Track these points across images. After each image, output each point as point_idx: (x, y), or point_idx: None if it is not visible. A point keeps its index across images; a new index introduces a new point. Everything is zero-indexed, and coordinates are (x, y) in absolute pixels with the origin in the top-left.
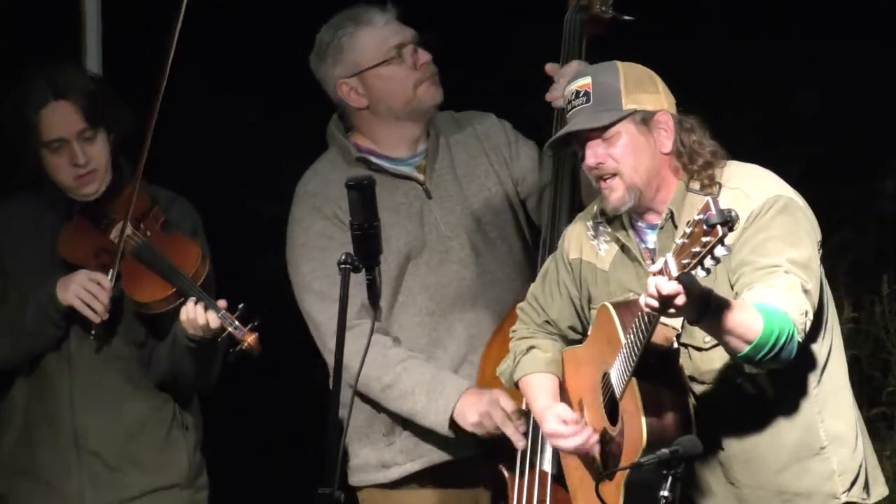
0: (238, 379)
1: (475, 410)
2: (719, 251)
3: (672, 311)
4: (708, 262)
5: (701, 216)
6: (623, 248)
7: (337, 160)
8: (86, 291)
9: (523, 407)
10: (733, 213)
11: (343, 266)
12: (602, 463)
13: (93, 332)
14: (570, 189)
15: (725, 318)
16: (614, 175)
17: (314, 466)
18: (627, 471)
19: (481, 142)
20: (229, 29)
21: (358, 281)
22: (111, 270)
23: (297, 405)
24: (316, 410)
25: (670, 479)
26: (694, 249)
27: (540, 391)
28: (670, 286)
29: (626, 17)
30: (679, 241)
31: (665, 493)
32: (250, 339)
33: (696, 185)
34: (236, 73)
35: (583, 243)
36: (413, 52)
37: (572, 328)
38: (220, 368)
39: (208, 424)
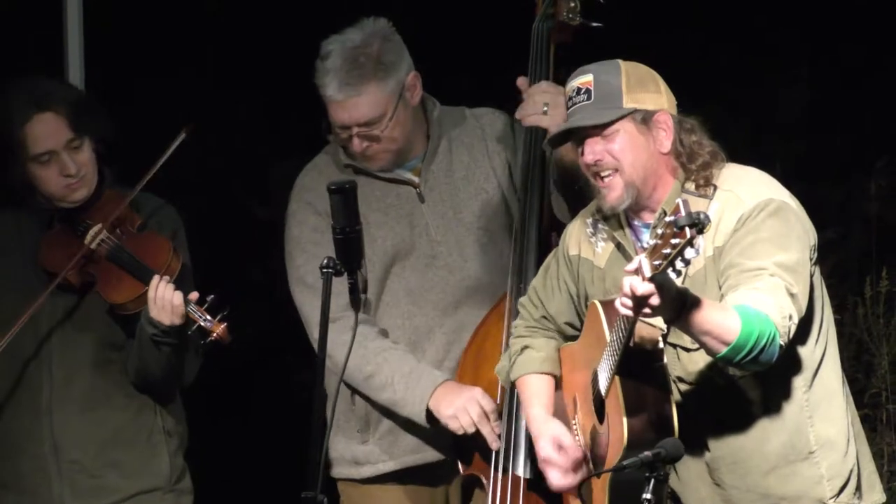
0: (226, 381)
1: (452, 404)
2: (689, 253)
3: (647, 311)
4: (678, 263)
5: (671, 218)
6: (619, 246)
7: (332, 157)
8: None
9: (502, 405)
10: (702, 216)
11: (325, 270)
12: (592, 460)
13: None
14: (539, 196)
15: (702, 319)
16: (613, 172)
17: (300, 469)
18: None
19: (487, 143)
20: (225, 32)
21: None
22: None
23: (284, 407)
24: (302, 412)
25: (653, 481)
26: (665, 251)
27: (534, 396)
28: (644, 287)
29: (595, 24)
30: (651, 241)
31: (648, 495)
32: (219, 329)
33: (691, 186)
34: (231, 76)
35: (581, 240)
36: (350, 138)
37: (570, 324)
38: (196, 368)
39: (194, 428)
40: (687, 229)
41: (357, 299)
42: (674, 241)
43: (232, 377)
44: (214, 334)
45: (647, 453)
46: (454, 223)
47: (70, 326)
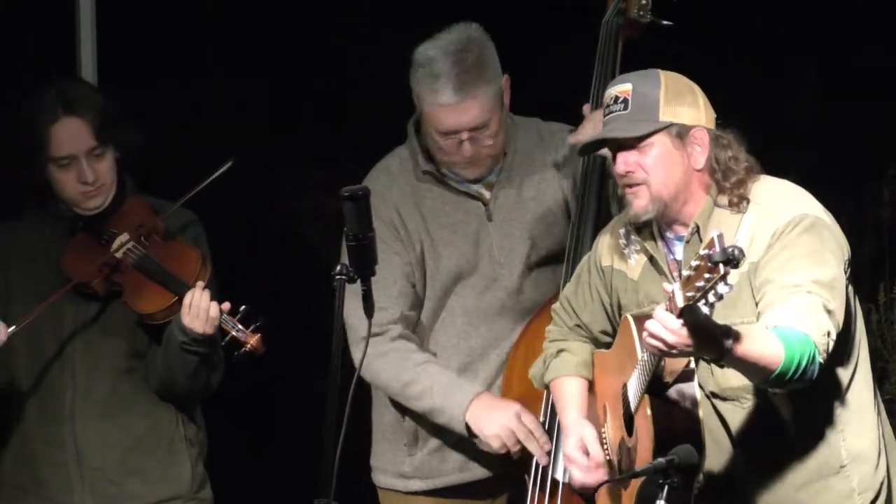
0: (242, 390)
1: (494, 422)
2: (721, 288)
3: (674, 352)
4: (711, 297)
5: (705, 252)
6: (651, 259)
7: (407, 163)
8: None
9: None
10: (736, 252)
11: (338, 277)
12: (619, 471)
13: None
14: (595, 204)
15: (747, 354)
16: (641, 184)
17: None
18: (641, 480)
19: (558, 163)
20: (234, 40)
21: (395, 291)
22: (13, 327)
23: (300, 416)
24: (318, 421)
25: (667, 488)
26: (698, 284)
27: (568, 401)
28: (671, 336)
29: (665, 23)
30: (686, 272)
31: (661, 502)
32: (253, 340)
33: (723, 201)
34: (241, 85)
35: (614, 251)
36: (458, 144)
37: (604, 332)
38: (221, 377)
39: (211, 436)
40: (721, 266)
41: (370, 307)
42: (707, 275)
43: (241, 385)
44: (248, 345)
45: (661, 460)
46: (519, 244)
47: (93, 334)
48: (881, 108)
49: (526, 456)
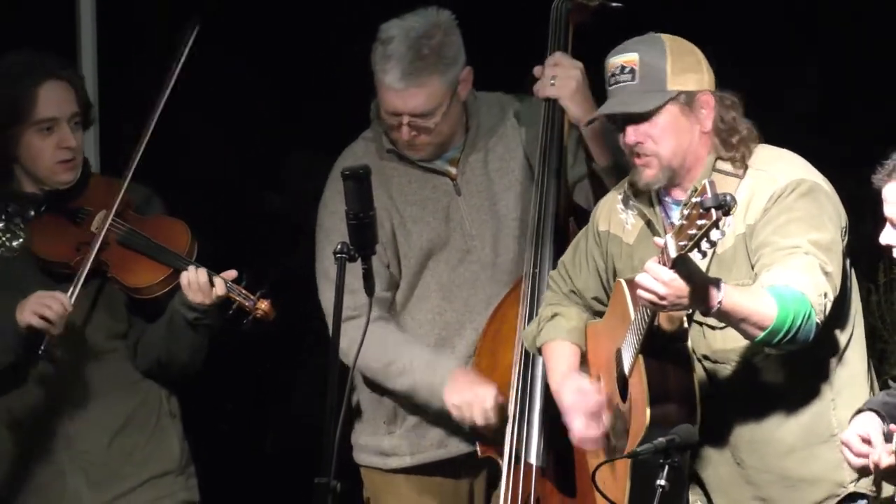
0: (247, 374)
1: (461, 395)
2: (714, 234)
3: (666, 304)
4: (704, 244)
5: (697, 199)
6: (648, 223)
7: (371, 144)
8: (41, 305)
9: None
10: (728, 198)
11: (338, 255)
12: (613, 437)
13: (42, 348)
14: (556, 179)
15: (738, 307)
16: (652, 156)
17: (311, 455)
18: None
19: (521, 132)
20: (242, 22)
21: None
22: (71, 289)
23: (304, 398)
24: (312, 401)
25: (667, 467)
26: (690, 232)
27: (558, 361)
28: (666, 274)
29: (615, 4)
30: (678, 221)
31: (662, 481)
32: (263, 305)
33: (724, 166)
34: (247, 66)
35: (612, 216)
36: (398, 124)
37: (597, 299)
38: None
39: (209, 414)
40: (713, 211)
41: (371, 286)
42: (700, 222)
43: (245, 370)
44: (259, 311)
45: (661, 440)
46: (490, 216)
47: (73, 318)
48: (882, 89)
49: (499, 437)
